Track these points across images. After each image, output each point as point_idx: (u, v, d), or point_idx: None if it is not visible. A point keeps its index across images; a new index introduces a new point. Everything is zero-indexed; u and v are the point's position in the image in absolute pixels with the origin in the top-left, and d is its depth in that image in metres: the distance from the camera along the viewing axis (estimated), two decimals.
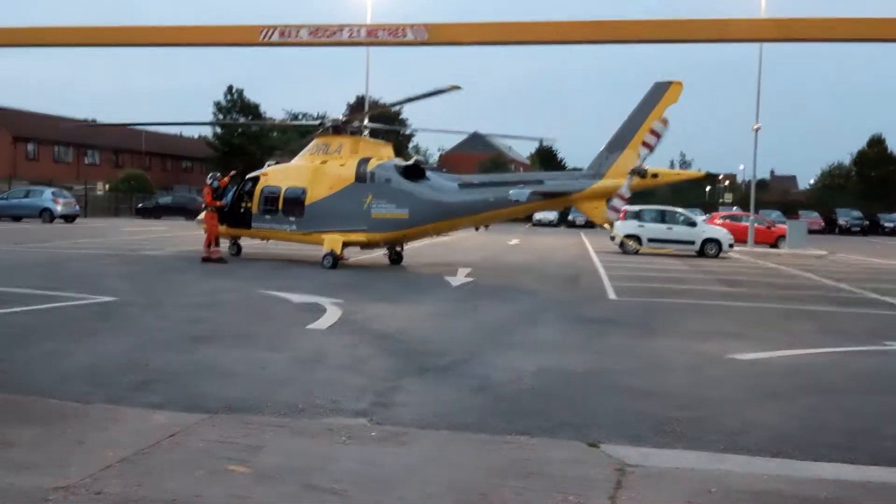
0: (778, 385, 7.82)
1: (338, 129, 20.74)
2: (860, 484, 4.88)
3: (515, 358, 8.70)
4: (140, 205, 52.34)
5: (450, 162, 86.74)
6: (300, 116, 76.03)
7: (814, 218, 60.99)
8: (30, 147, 57.87)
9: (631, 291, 16.29)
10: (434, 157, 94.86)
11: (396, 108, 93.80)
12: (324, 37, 5.83)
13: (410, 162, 19.49)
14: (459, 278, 17.72)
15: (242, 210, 20.76)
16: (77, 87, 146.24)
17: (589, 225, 64.06)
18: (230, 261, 19.95)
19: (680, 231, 29.66)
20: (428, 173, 19.42)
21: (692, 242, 29.43)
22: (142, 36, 5.99)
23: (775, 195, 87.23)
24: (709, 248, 28.92)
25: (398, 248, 20.94)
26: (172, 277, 16.05)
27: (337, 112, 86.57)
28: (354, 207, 19.10)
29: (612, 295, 15.72)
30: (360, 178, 19.27)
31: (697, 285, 18.24)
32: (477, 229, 20.71)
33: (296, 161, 21.32)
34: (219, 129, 66.53)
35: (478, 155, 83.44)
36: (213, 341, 9.04)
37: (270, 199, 20.25)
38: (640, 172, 17.04)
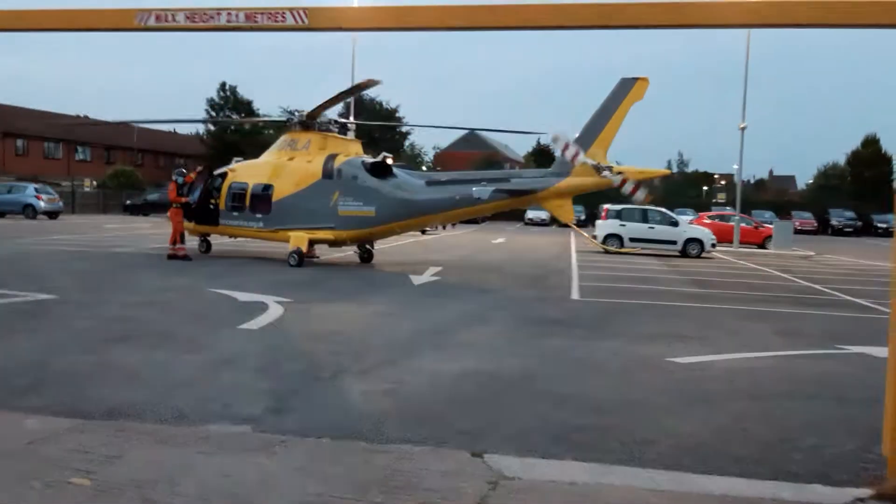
0: (709, 390, 7.49)
1: (307, 124, 20.40)
2: (746, 500, 4.55)
3: (443, 360, 8.38)
4: (128, 201, 52.02)
5: (445, 160, 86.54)
6: (295, 113, 75.85)
7: (806, 218, 60.68)
8: (19, 143, 57.58)
9: (596, 292, 15.96)
10: (429, 155, 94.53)
11: (388, 102, 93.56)
12: (201, 21, 5.50)
13: (378, 159, 19.14)
14: (424, 277, 17.41)
15: (211, 207, 20.45)
16: (70, 83, 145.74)
17: (582, 224, 63.97)
18: (196, 258, 19.64)
19: (662, 231, 29.31)
20: (395, 170, 19.11)
21: (674, 242, 29.09)
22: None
23: (771, 195, 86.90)
24: (691, 247, 28.58)
25: (368, 247, 20.62)
26: (127, 275, 15.74)
27: (334, 110, 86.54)
28: (321, 205, 18.78)
29: (574, 295, 15.40)
30: (327, 174, 18.96)
31: (667, 286, 17.92)
32: (444, 227, 20.55)
33: (264, 157, 21.00)
34: (212, 126, 66.24)
35: (473, 153, 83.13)
36: (133, 342, 8.72)
37: (237, 196, 19.95)
38: (601, 170, 16.68)
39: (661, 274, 21.24)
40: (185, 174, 20.67)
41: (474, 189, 17.52)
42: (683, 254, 28.64)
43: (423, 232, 41.07)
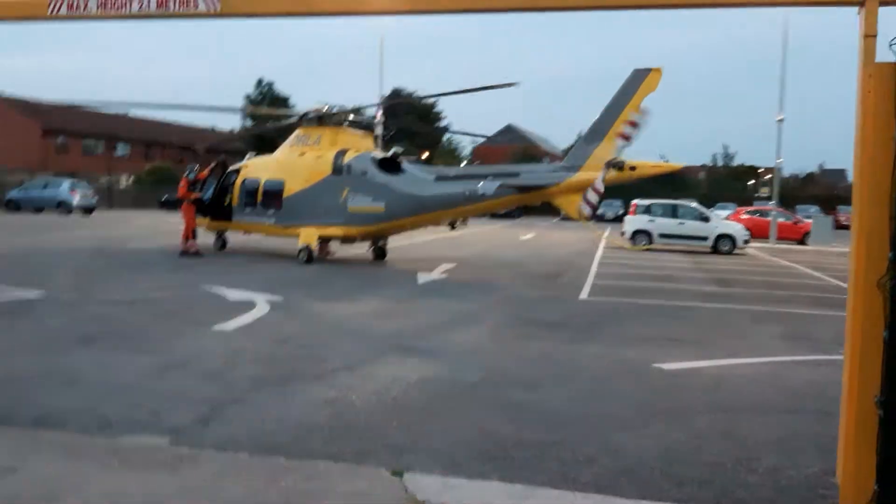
0: (682, 401, 6.99)
1: (321, 119, 20.16)
2: None
3: (407, 366, 8.01)
4: (163, 198, 52.54)
5: (483, 154, 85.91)
6: (335, 109, 76.26)
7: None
8: (59, 140, 58.62)
9: (607, 291, 15.42)
10: (467, 149, 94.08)
11: (433, 99, 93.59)
12: (112, 9, 5.21)
13: (388, 154, 18.80)
14: (432, 275, 17.04)
15: (225, 203, 20.37)
16: (110, 79, 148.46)
17: (620, 220, 62.88)
18: (209, 254, 19.54)
19: (692, 226, 28.45)
20: (404, 165, 18.75)
21: (705, 238, 28.23)
22: None
23: (820, 189, 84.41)
24: (722, 244, 27.67)
25: (381, 244, 20.30)
26: (130, 272, 15.64)
27: (370, 103, 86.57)
28: (331, 200, 18.53)
29: (583, 295, 14.87)
30: (337, 170, 18.69)
31: (687, 284, 17.27)
32: (453, 226, 20.13)
33: (277, 153, 20.83)
34: (248, 122, 66.64)
35: (511, 147, 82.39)
36: (96, 343, 8.51)
37: (250, 192, 19.82)
38: (616, 165, 16.08)
39: (684, 272, 20.54)
40: (198, 171, 20.59)
41: (479, 185, 17.06)
42: (715, 250, 27.78)
43: (452, 227, 40.75)
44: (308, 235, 18.35)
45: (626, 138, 15.88)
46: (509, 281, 16.86)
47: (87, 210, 40.73)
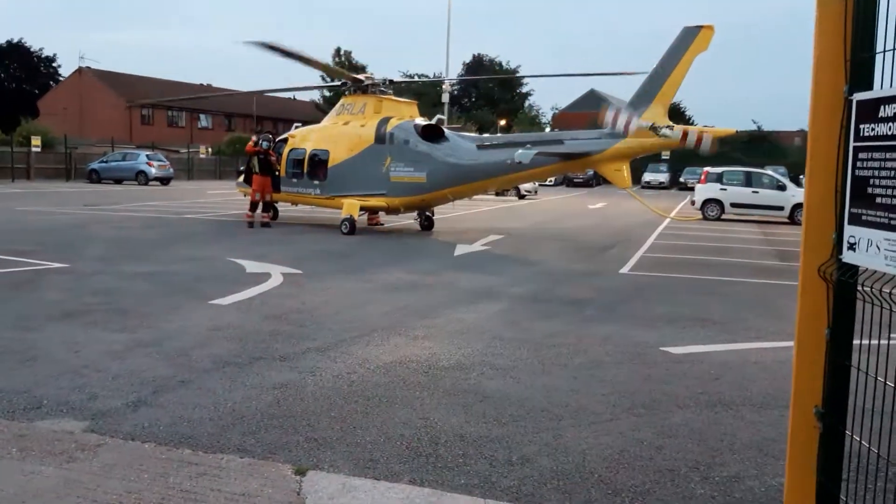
0: (672, 392, 6.30)
1: (365, 87, 19.78)
2: None
3: (390, 346, 7.56)
4: (241, 167, 53.49)
5: (563, 121, 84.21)
6: (415, 77, 75.94)
7: None
8: (144, 112, 60.36)
9: (653, 265, 14.58)
10: (547, 116, 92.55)
11: (508, 61, 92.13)
12: None
13: (432, 121, 18.26)
14: (472, 247, 16.52)
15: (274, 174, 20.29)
16: (193, 53, 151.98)
17: (665, 188, 60.42)
18: (258, 225, 19.54)
19: (767, 195, 26.90)
20: (447, 133, 18.17)
21: (781, 208, 26.69)
22: None
23: None
24: (799, 214, 25.94)
25: (428, 213, 19.87)
26: (168, 243, 15.65)
27: (452, 72, 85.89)
28: (373, 170, 18.17)
29: (625, 269, 14.09)
30: (380, 139, 18.30)
31: (743, 258, 16.22)
32: (498, 194, 19.53)
33: (323, 122, 20.58)
34: (327, 93, 67.10)
35: (592, 113, 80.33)
36: (79, 318, 8.36)
37: (296, 163, 19.67)
38: (657, 129, 15.05)
39: (747, 244, 19.37)
40: (271, 138, 20.38)
41: (517, 153, 16.32)
42: (792, 220, 26.21)
43: (521, 196, 39.99)
44: (350, 206, 18.08)
45: (683, 140, 14.86)
46: (552, 254, 16.17)
47: (165, 181, 41.78)
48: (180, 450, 4.77)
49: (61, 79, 68.25)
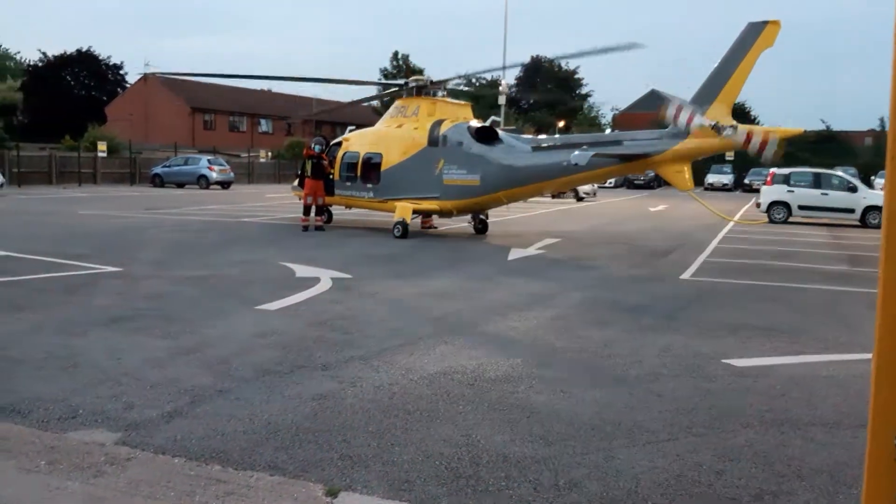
0: (734, 409, 5.87)
1: (420, 90, 19.59)
2: None
3: (437, 355, 7.28)
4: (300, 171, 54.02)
5: (624, 122, 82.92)
6: (474, 79, 75.88)
7: None
8: (206, 117, 61.50)
9: (716, 270, 14.02)
10: (607, 117, 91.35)
11: (568, 63, 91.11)
12: None
13: (486, 123, 17.95)
14: (527, 251, 16.16)
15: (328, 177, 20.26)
16: (251, 60, 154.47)
17: (729, 190, 58.66)
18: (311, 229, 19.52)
19: (837, 197, 25.82)
20: (502, 135, 17.83)
21: (851, 211, 25.59)
22: None
23: None
24: (871, 216, 24.91)
25: (482, 217, 19.57)
26: (222, 247, 15.67)
27: (510, 74, 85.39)
28: (426, 173, 17.96)
29: (686, 274, 13.57)
30: (433, 141, 18.08)
31: (812, 263, 15.50)
32: (555, 196, 19.10)
33: (377, 125, 20.47)
34: (385, 99, 67.36)
35: (653, 114, 78.88)
36: (125, 324, 8.29)
37: (350, 166, 19.58)
38: (720, 129, 14.43)
39: (816, 248, 18.55)
40: (324, 142, 20.40)
41: (573, 155, 15.88)
42: (863, 223, 25.13)
43: (580, 199, 39.37)
44: (403, 210, 17.90)
45: (747, 143, 14.21)
46: (610, 258, 15.70)
47: (225, 185, 42.38)
48: (210, 465, 4.58)
49: (128, 86, 70.03)
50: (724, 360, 7.43)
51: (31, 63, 72.48)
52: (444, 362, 7.04)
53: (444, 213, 18.54)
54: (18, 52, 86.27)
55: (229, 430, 5.18)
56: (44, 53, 70.66)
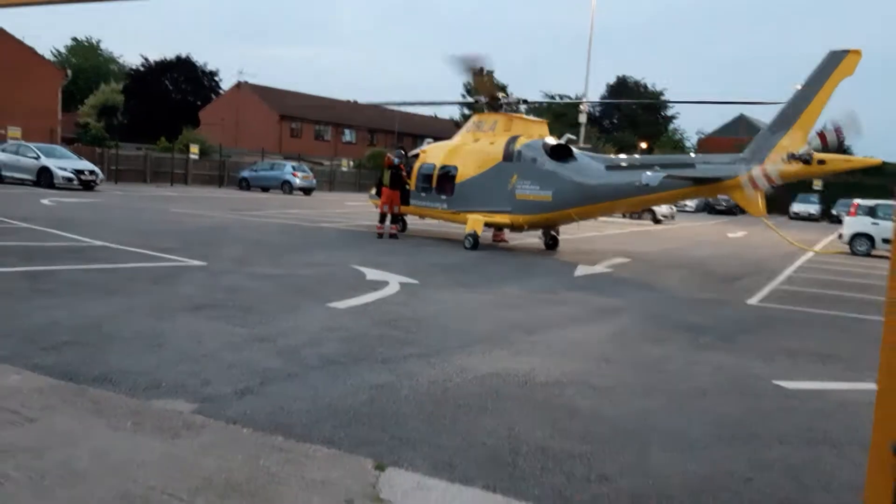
0: (776, 426, 6.05)
1: (499, 106, 20.04)
2: None
3: (492, 358, 7.65)
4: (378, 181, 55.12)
5: (708, 145, 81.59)
6: (556, 97, 76.11)
7: None
8: (294, 125, 63.43)
9: (785, 297, 13.95)
10: (692, 140, 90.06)
11: (654, 84, 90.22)
12: None
13: (561, 141, 18.25)
14: (595, 268, 16.35)
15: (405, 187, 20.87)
16: (338, 72, 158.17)
17: (815, 220, 56.81)
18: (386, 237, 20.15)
19: None
20: (576, 153, 18.09)
21: None
22: None
23: None
24: None
25: (553, 233, 19.84)
26: (299, 249, 16.42)
27: (595, 94, 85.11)
28: (499, 188, 18.36)
29: (754, 300, 13.54)
30: (508, 157, 18.47)
31: (884, 295, 15.17)
32: (632, 217, 19.19)
33: (454, 139, 20.99)
34: (466, 111, 68.21)
35: (738, 139, 77.42)
36: (207, 311, 8.95)
37: (426, 177, 20.14)
38: (803, 158, 14.36)
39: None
40: (403, 154, 21.07)
41: (644, 175, 16.01)
42: None
43: (657, 221, 39.09)
44: (474, 222, 18.33)
45: (824, 141, 14.03)
46: (678, 280, 15.75)
47: (307, 191, 43.69)
48: (274, 436, 5.05)
49: (222, 92, 72.89)
50: (775, 381, 7.56)
51: (133, 67, 76.25)
52: (497, 364, 7.40)
53: (514, 227, 18.89)
54: (121, 56, 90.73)
55: (294, 409, 5.67)
56: (145, 58, 74.34)
